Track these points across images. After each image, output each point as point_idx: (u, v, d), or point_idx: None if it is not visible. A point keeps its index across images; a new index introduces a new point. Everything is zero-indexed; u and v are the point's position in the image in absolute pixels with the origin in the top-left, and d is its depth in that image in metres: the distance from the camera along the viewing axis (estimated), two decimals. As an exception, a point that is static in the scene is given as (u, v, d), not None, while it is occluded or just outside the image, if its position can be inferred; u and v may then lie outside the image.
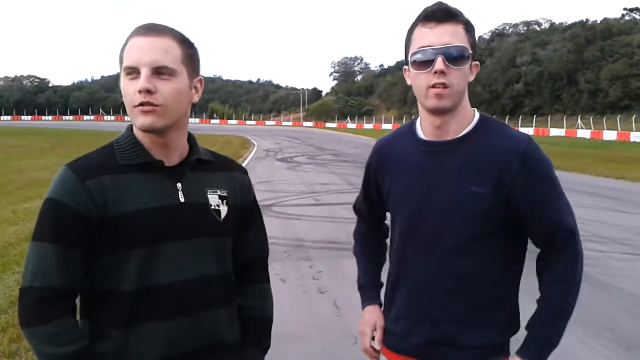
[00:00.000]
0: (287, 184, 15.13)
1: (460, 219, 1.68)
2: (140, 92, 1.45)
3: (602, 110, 72.39)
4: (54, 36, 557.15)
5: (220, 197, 1.64)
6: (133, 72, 1.47)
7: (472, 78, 1.70)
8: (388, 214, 1.99)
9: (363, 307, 2.00)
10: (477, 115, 1.76)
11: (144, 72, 1.46)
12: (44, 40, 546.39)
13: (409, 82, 1.74)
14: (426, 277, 1.75)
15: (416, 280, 1.77)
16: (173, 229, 1.53)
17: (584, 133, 56.24)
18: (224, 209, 1.63)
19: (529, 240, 1.78)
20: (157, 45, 1.48)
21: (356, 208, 2.11)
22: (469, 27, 1.66)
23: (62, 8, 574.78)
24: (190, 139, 1.65)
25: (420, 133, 1.79)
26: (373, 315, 1.94)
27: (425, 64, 1.62)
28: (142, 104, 1.46)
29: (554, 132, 60.61)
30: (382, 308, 1.97)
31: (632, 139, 46.51)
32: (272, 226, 9.14)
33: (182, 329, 1.53)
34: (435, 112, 1.68)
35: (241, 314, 1.74)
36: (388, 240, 2.02)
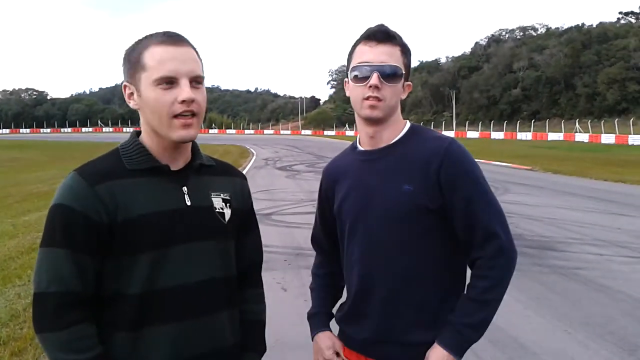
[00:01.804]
0: (287, 193, 15.11)
1: (398, 219, 1.78)
2: (184, 101, 1.48)
3: (600, 113, 72.59)
4: (52, 49, 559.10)
5: (224, 200, 1.67)
6: (169, 81, 1.48)
7: (404, 96, 1.85)
8: None
9: (314, 335, 2.02)
10: (407, 125, 1.91)
11: (184, 82, 1.48)
12: (42, 54, 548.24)
13: (347, 93, 1.87)
14: (372, 278, 1.83)
15: (363, 281, 1.86)
16: (181, 232, 1.54)
17: (582, 137, 56.35)
18: (227, 212, 1.66)
19: None
20: (189, 55, 1.53)
21: (314, 239, 2.18)
22: (404, 50, 1.81)
23: (59, 22, 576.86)
24: (193, 144, 1.68)
25: (359, 146, 1.95)
26: (330, 340, 1.97)
27: (362, 78, 1.77)
28: (183, 116, 1.49)
29: (552, 136, 60.74)
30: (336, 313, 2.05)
31: (630, 142, 46.58)
32: (272, 235, 9.13)
33: (188, 332, 1.55)
34: (369, 121, 1.82)
35: (240, 318, 1.75)
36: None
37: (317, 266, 2.19)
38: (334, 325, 2.05)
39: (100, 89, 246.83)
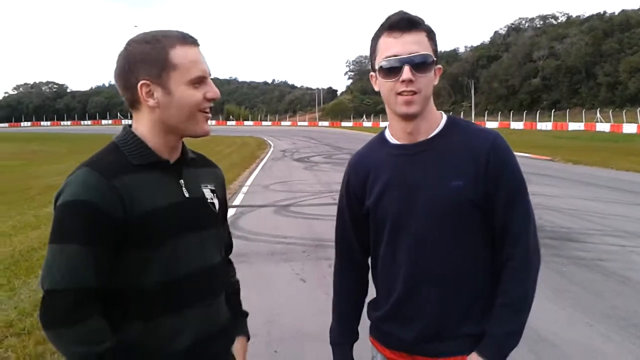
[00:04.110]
0: (305, 184, 15.12)
1: (447, 214, 1.72)
2: (212, 99, 1.60)
3: (622, 103, 71.48)
4: (72, 42, 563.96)
5: (212, 191, 1.75)
6: (201, 80, 1.57)
7: (436, 82, 1.76)
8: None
9: None
10: (444, 116, 1.84)
11: (210, 80, 1.60)
12: (61, 47, 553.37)
13: (376, 88, 1.80)
14: (420, 277, 1.77)
15: (410, 280, 1.79)
16: (185, 223, 1.61)
17: (603, 127, 55.53)
18: (216, 202, 1.75)
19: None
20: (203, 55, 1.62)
21: (342, 241, 2.00)
22: (431, 34, 1.72)
23: (78, 15, 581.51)
24: None
25: (392, 139, 1.85)
26: None
27: (392, 72, 1.68)
28: (207, 111, 1.60)
29: (573, 126, 59.95)
30: (369, 310, 1.99)
31: (653, 132, 45.78)
32: (291, 226, 9.18)
33: (200, 316, 1.63)
34: (405, 118, 1.74)
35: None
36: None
37: (340, 276, 2.04)
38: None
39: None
